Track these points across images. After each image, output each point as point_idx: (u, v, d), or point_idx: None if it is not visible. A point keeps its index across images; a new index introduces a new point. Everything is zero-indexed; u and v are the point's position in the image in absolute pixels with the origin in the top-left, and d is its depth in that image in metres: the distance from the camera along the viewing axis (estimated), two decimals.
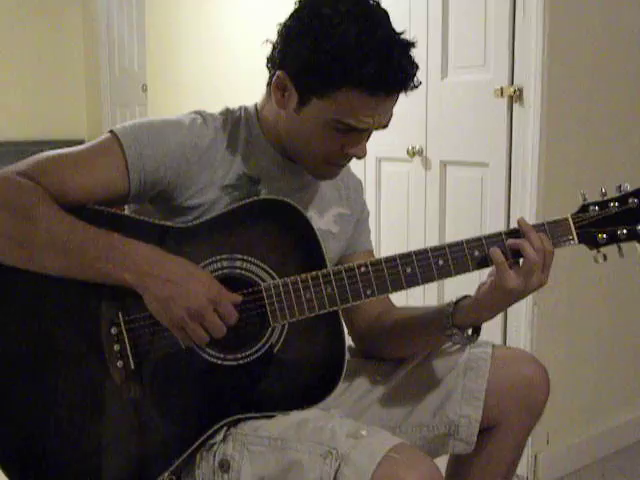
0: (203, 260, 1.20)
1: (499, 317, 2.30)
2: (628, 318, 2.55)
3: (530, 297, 2.16)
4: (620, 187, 1.25)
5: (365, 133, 1.25)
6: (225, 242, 1.21)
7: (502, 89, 2.20)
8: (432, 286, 2.42)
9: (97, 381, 1.18)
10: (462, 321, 1.27)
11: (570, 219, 1.25)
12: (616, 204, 1.24)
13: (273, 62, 1.26)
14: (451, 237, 1.26)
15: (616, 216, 1.24)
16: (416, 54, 1.22)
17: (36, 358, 1.17)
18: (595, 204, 1.25)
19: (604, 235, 1.25)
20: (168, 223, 1.24)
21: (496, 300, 1.24)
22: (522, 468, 2.25)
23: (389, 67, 1.17)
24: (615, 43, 2.33)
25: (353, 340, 1.46)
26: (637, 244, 1.25)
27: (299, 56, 1.19)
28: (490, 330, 2.33)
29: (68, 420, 1.18)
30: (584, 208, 1.25)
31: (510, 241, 1.23)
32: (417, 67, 1.21)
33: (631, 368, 2.59)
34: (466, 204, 2.41)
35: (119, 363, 1.18)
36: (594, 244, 1.26)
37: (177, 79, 3.99)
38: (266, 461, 1.16)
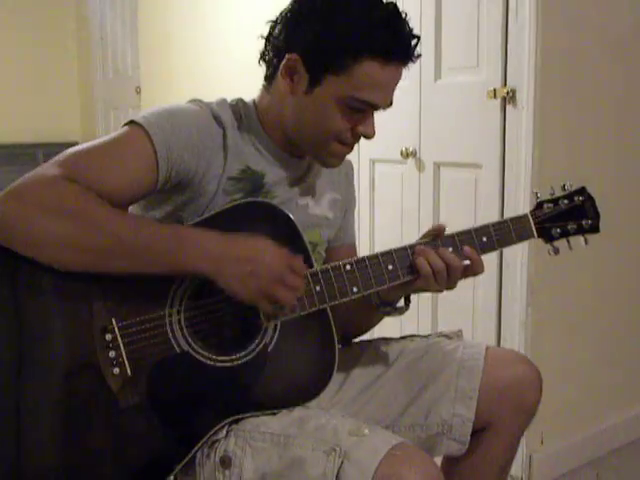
0: None
1: (493, 317, 2.31)
2: (622, 319, 2.56)
3: (524, 298, 2.19)
4: (564, 186, 1.37)
5: (373, 111, 1.29)
6: None
7: (495, 90, 2.21)
8: None
9: (93, 390, 1.15)
10: (389, 297, 1.36)
11: (529, 215, 1.35)
12: (565, 201, 1.36)
13: (277, 50, 1.28)
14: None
15: (566, 212, 1.36)
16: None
17: (27, 367, 1.13)
18: (548, 202, 1.36)
19: (558, 230, 1.36)
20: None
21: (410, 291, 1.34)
22: (516, 468, 2.25)
23: (398, 35, 1.23)
24: (607, 44, 2.34)
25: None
26: (581, 237, 1.37)
27: (311, 35, 1.23)
28: (484, 331, 2.33)
29: (63, 432, 1.14)
30: (539, 205, 1.36)
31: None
32: (419, 38, 1.27)
33: (625, 369, 2.60)
34: (460, 205, 2.42)
35: (115, 370, 1.15)
36: (549, 238, 1.36)
37: (170, 81, 3.99)
38: (268, 457, 1.16)
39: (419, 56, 1.27)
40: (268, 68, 1.32)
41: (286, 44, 1.26)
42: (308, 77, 1.24)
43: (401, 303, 1.38)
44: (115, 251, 1.11)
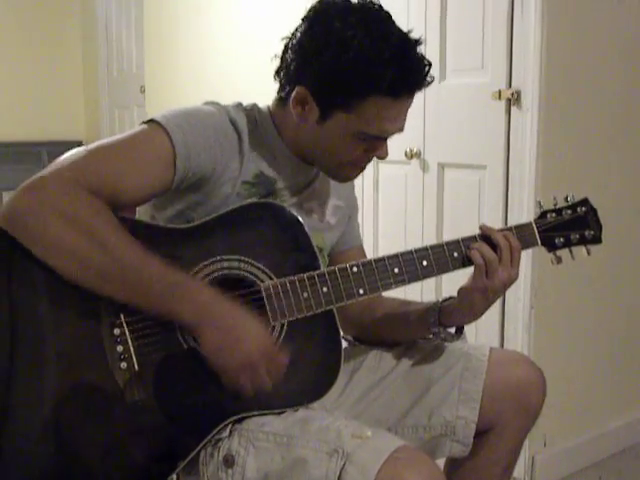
0: (204, 260, 1.20)
1: (496, 319, 2.30)
2: (625, 321, 2.56)
3: (527, 300, 2.19)
4: (567, 197, 1.40)
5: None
6: (224, 243, 1.22)
7: (500, 92, 2.21)
8: (430, 286, 2.42)
9: (99, 384, 1.16)
10: (447, 322, 1.37)
11: (533, 224, 1.37)
12: (568, 212, 1.39)
13: (289, 78, 1.28)
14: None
15: (569, 222, 1.38)
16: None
17: (35, 362, 1.13)
18: (552, 211, 1.39)
19: (561, 239, 1.38)
20: (169, 225, 1.25)
21: (475, 300, 1.31)
22: (519, 470, 2.25)
23: (409, 69, 1.23)
24: (612, 46, 2.34)
25: (342, 325, 1.44)
26: (583, 247, 1.39)
27: (319, 73, 1.23)
28: (488, 332, 2.33)
29: (68, 426, 1.15)
30: (543, 214, 1.38)
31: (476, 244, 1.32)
32: (431, 64, 1.26)
33: (628, 371, 2.59)
34: (464, 207, 2.42)
35: (122, 365, 1.16)
36: (552, 247, 1.38)
37: (175, 80, 3.99)
38: (271, 457, 1.16)
39: (432, 81, 1.27)
40: (282, 89, 1.31)
41: (296, 76, 1.26)
42: (318, 110, 1.25)
43: (452, 330, 1.40)
44: (114, 277, 1.12)
